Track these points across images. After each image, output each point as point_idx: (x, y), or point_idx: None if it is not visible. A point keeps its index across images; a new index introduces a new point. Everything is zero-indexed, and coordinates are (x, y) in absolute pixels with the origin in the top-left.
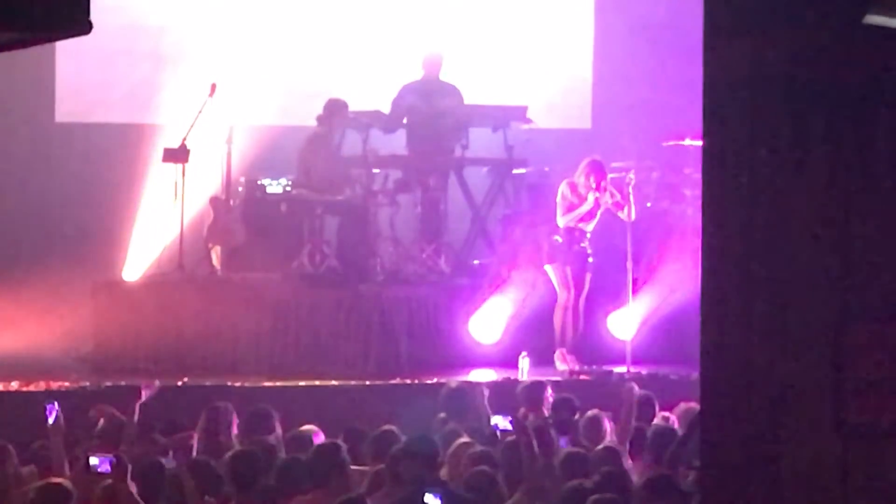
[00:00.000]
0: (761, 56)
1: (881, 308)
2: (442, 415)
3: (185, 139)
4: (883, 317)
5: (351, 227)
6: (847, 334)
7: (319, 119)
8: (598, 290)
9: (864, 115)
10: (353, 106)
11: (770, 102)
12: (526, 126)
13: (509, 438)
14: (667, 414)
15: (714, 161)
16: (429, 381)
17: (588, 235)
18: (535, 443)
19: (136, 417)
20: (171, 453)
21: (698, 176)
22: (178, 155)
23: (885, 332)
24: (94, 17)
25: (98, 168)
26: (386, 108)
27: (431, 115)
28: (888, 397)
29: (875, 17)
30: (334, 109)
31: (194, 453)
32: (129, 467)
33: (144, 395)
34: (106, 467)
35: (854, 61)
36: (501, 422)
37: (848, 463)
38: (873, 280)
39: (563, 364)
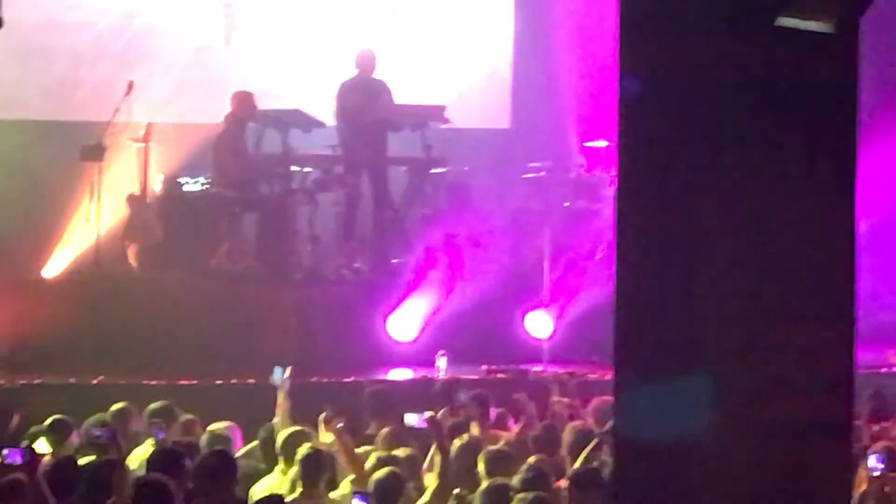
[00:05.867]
0: (676, 56)
1: (796, 308)
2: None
3: (102, 137)
4: (797, 317)
5: (269, 225)
6: (762, 334)
7: (227, 115)
8: (515, 290)
9: (779, 116)
10: (275, 104)
11: (685, 103)
12: (445, 125)
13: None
14: None
15: (629, 161)
16: (347, 380)
17: None
18: (447, 441)
19: None
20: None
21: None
22: (95, 153)
23: (799, 333)
24: (8, 13)
25: (15, 165)
26: (310, 106)
27: (367, 115)
28: (801, 397)
29: (788, 20)
30: (239, 103)
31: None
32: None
33: None
34: (16, 458)
35: (769, 62)
36: (414, 420)
37: (761, 461)
38: (788, 279)
39: None
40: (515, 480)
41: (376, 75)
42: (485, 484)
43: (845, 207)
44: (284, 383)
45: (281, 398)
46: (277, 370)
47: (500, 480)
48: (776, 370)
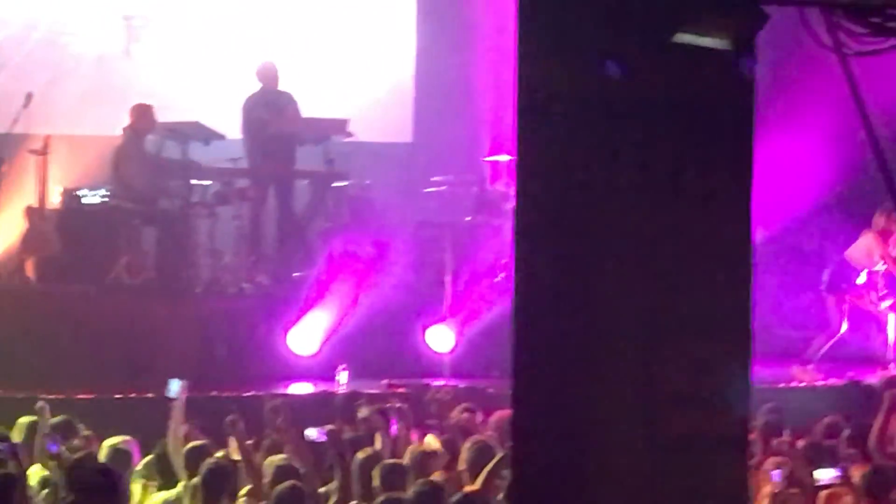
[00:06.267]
0: (574, 72)
1: (693, 323)
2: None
3: (0, 149)
4: (694, 332)
5: (169, 238)
6: (659, 349)
7: (125, 128)
8: (416, 304)
9: (673, 133)
10: (176, 116)
11: (583, 118)
12: (347, 139)
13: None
14: None
15: (527, 176)
16: (247, 394)
17: None
18: (347, 455)
19: None
20: None
21: None
22: None
23: (696, 348)
24: None
25: None
26: (212, 119)
27: (270, 128)
28: (698, 411)
29: (685, 37)
30: (139, 115)
31: None
32: None
33: None
34: None
35: (665, 79)
36: (313, 434)
37: (656, 474)
38: (685, 295)
39: None
40: (409, 494)
41: (281, 87)
42: (379, 499)
43: (741, 222)
44: (180, 396)
45: (176, 411)
46: (173, 382)
47: (393, 495)
48: (673, 385)
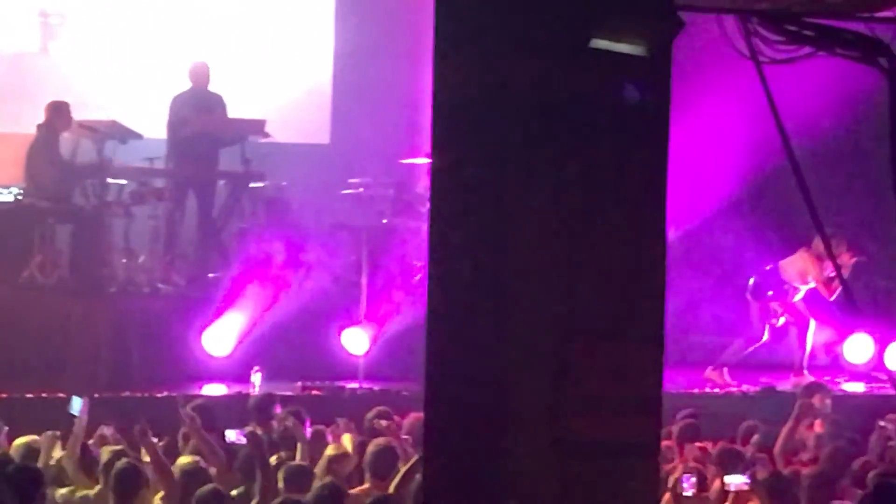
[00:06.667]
0: (490, 75)
1: (602, 327)
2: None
3: None
4: (603, 336)
5: (84, 237)
6: (568, 353)
7: (39, 125)
8: (332, 306)
9: (588, 136)
10: (93, 115)
11: (498, 121)
12: (264, 140)
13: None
14: None
15: (442, 178)
16: (160, 395)
17: None
18: (267, 456)
19: None
20: None
21: None
22: None
23: (604, 352)
24: None
25: None
26: (130, 118)
27: (189, 127)
28: (606, 416)
29: (600, 42)
30: (54, 113)
31: None
32: None
33: None
34: None
35: (580, 83)
36: (233, 435)
37: (567, 480)
38: (594, 299)
39: None
40: (309, 497)
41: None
42: (278, 500)
43: (656, 229)
44: (82, 413)
45: (77, 428)
46: (76, 400)
47: (292, 496)
48: (585, 390)
